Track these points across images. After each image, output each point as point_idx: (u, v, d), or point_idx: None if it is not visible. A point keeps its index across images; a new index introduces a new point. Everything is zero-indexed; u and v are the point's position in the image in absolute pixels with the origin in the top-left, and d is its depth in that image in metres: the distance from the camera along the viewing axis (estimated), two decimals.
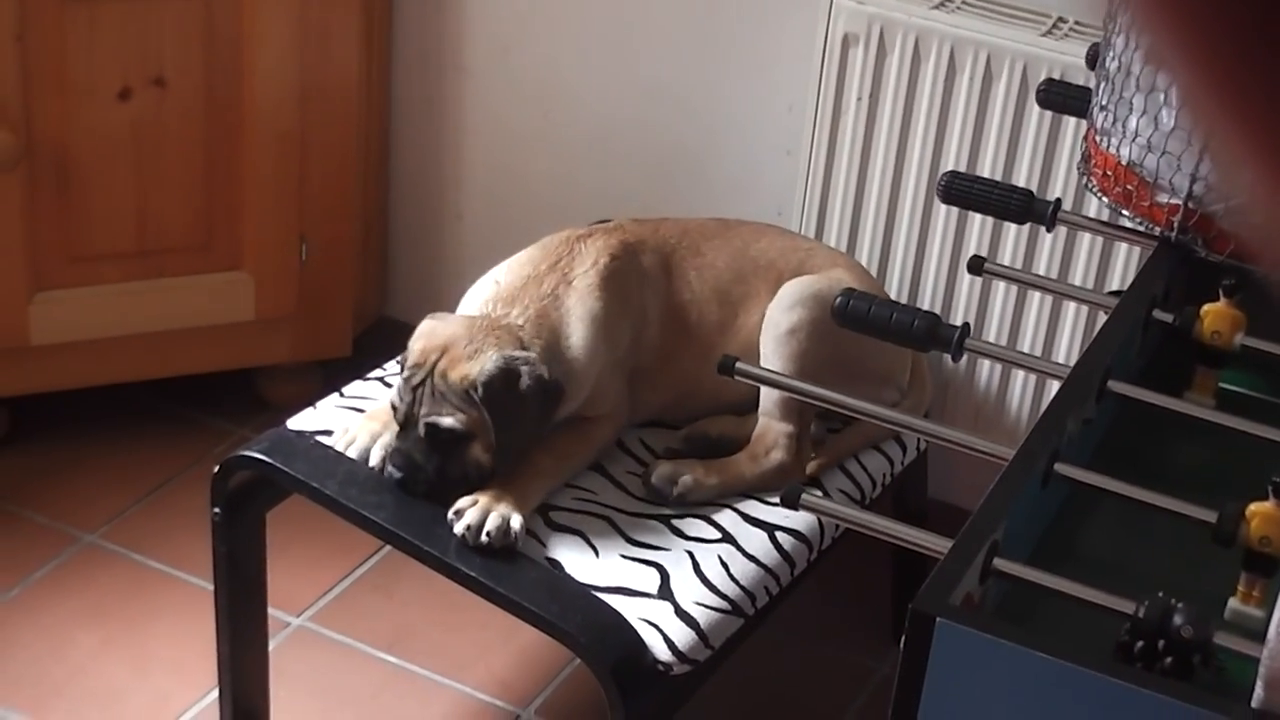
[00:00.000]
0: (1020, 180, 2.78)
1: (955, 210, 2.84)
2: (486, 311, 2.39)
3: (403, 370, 2.33)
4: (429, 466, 2.28)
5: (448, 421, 2.27)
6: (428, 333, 2.34)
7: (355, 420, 2.43)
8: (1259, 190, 0.59)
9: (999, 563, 1.57)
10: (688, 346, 2.51)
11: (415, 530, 2.27)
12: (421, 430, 2.28)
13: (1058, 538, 1.80)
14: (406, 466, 2.29)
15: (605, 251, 2.47)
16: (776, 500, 2.21)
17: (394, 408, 2.33)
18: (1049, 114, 2.72)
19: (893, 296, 2.89)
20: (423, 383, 2.29)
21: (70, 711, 2.65)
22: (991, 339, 2.89)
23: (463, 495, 2.27)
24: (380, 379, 2.58)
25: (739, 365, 1.93)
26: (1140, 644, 1.52)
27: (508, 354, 2.29)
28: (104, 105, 2.93)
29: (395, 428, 2.34)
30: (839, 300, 1.92)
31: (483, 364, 2.28)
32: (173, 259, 3.10)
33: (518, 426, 2.29)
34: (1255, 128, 0.58)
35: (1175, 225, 2.04)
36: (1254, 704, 1.43)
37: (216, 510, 2.41)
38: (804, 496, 1.70)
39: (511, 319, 2.37)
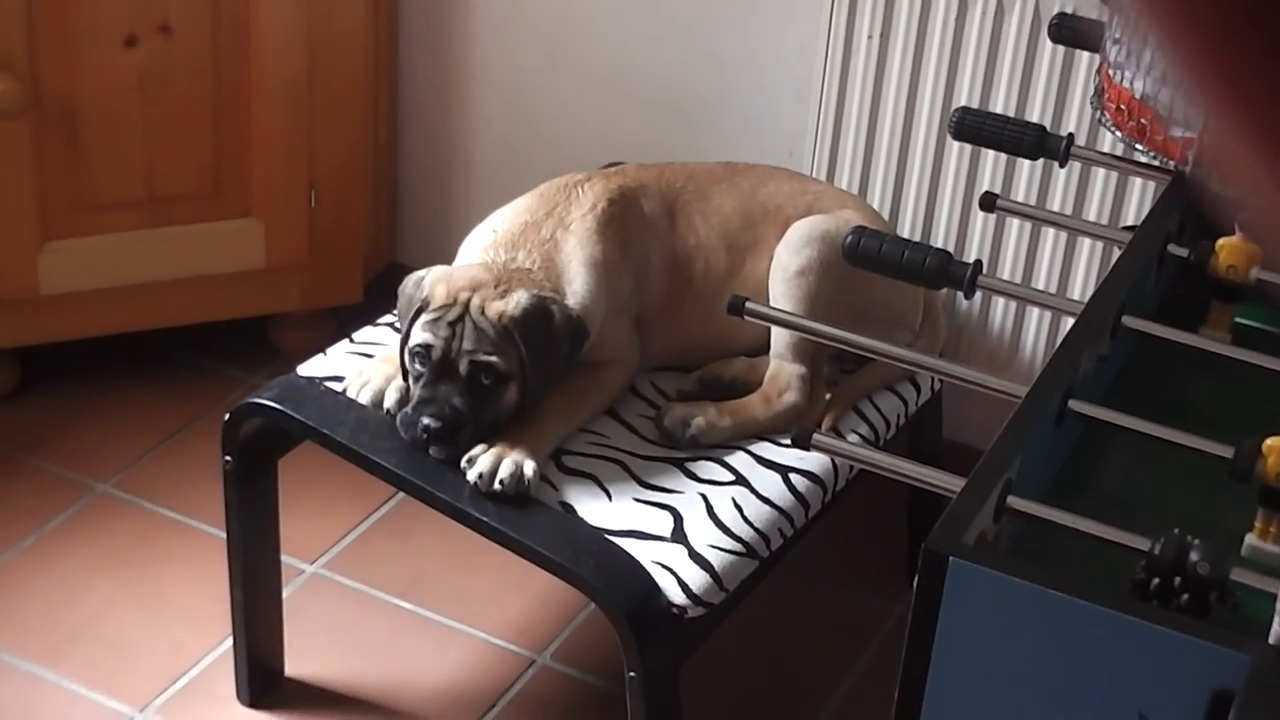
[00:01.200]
0: (1034, 116, 2.76)
1: (968, 148, 2.82)
2: (490, 258, 2.36)
3: (418, 315, 2.28)
4: (466, 410, 2.23)
5: (494, 358, 2.23)
6: (444, 276, 2.30)
7: (368, 364, 2.41)
8: (1260, 181, 0.58)
9: (1013, 500, 1.56)
10: (695, 293, 2.49)
11: (427, 476, 2.26)
12: (464, 369, 2.23)
13: (1073, 475, 1.78)
14: (445, 413, 2.22)
15: (603, 196, 2.45)
16: (789, 441, 2.20)
17: (417, 353, 2.26)
18: (1062, 49, 2.69)
19: (906, 236, 2.87)
20: (460, 319, 2.25)
21: (85, 659, 2.65)
22: (1005, 277, 2.87)
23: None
24: (391, 325, 2.56)
25: (749, 305, 1.91)
26: (1156, 581, 1.50)
27: (536, 293, 2.28)
28: (110, 53, 2.91)
29: (411, 376, 2.29)
30: (849, 238, 1.91)
31: (517, 300, 2.26)
32: (182, 207, 3.08)
33: (550, 365, 2.28)
34: (1254, 120, 0.57)
35: (1190, 159, 2.01)
36: (1271, 640, 1.42)
37: (228, 458, 2.40)
38: (815, 437, 1.69)
39: (520, 263, 2.35)
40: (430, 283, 2.30)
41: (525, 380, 2.26)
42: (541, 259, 2.36)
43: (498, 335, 2.24)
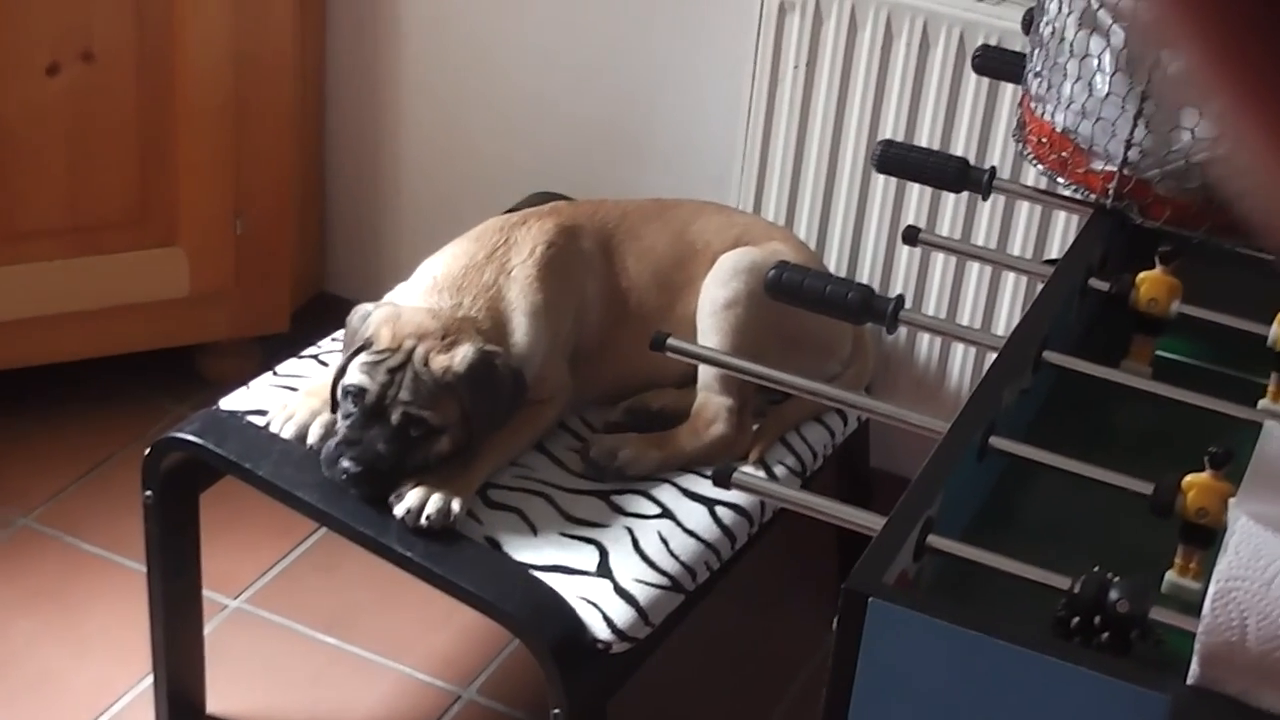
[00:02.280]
0: (959, 148, 2.76)
1: (894, 181, 2.82)
2: (431, 303, 2.34)
3: (357, 353, 2.25)
4: (390, 457, 2.21)
5: (427, 413, 2.21)
6: (391, 319, 2.27)
7: (292, 398, 2.39)
8: (1266, 169, 0.58)
9: (933, 539, 1.55)
10: (628, 331, 2.47)
11: (351, 512, 2.24)
12: (396, 419, 2.21)
13: (997, 510, 1.78)
14: (367, 458, 2.20)
15: (542, 239, 2.43)
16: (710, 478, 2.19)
17: (350, 393, 2.23)
18: (987, 81, 2.70)
19: (832, 268, 2.88)
20: (401, 366, 2.23)
21: (6, 697, 2.61)
22: (931, 310, 2.88)
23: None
24: (315, 357, 2.55)
25: (670, 341, 1.91)
26: (1077, 619, 1.50)
27: (482, 347, 2.26)
28: (32, 81, 2.88)
29: (340, 412, 2.27)
30: (772, 273, 1.90)
31: (464, 356, 2.23)
32: (106, 235, 3.05)
33: (489, 418, 2.26)
34: (1263, 104, 0.56)
35: (1111, 192, 2.02)
36: (1190, 680, 1.42)
37: (148, 493, 2.37)
38: (735, 475, 1.68)
39: (466, 310, 2.33)
40: (376, 323, 2.27)
41: (461, 433, 2.24)
42: (486, 306, 2.34)
43: (437, 389, 2.22)
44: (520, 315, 2.36)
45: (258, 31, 3.03)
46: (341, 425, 2.25)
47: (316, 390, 2.37)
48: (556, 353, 2.42)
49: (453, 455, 2.25)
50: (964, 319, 2.87)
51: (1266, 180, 0.58)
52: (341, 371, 2.26)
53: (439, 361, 2.23)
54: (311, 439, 2.30)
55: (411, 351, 2.23)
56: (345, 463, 2.21)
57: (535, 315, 2.36)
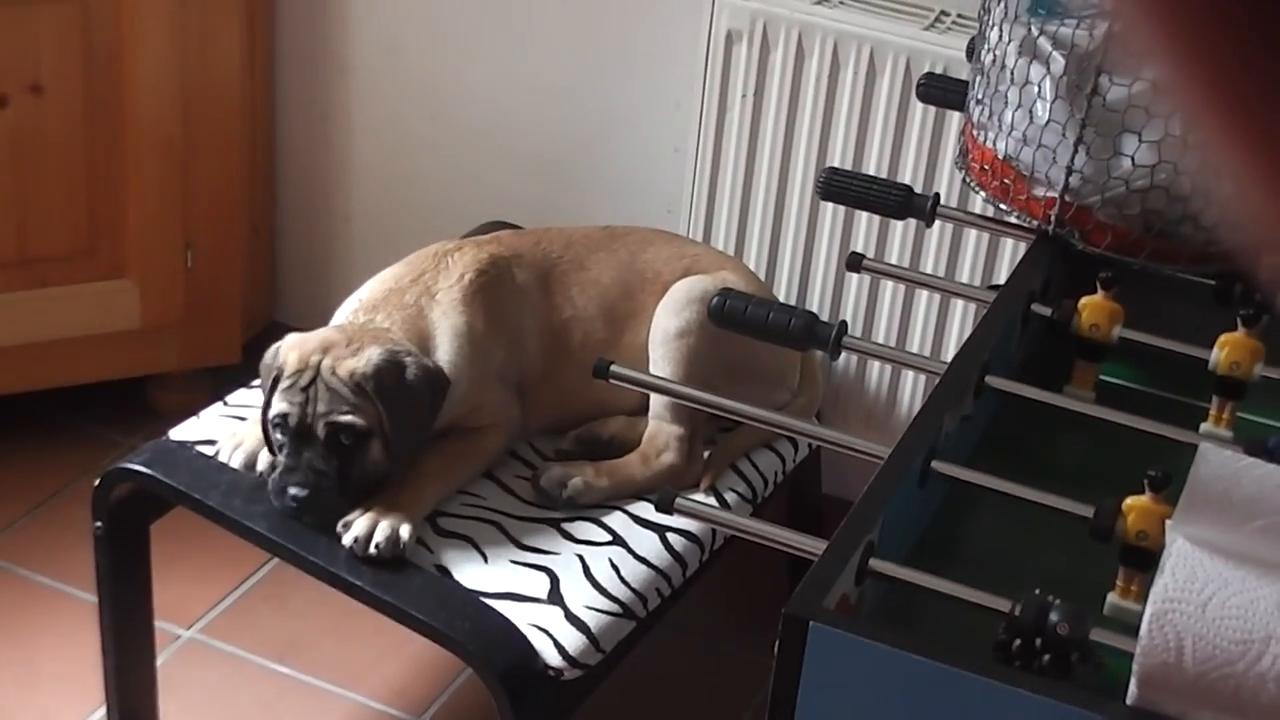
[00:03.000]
0: (906, 175, 2.78)
1: (843, 209, 2.83)
2: (348, 320, 2.36)
3: (275, 385, 2.26)
4: (332, 473, 2.22)
5: (349, 418, 2.22)
6: (297, 343, 2.29)
7: (241, 427, 2.39)
8: (1255, 195, 0.58)
9: (874, 563, 1.56)
10: (574, 363, 2.47)
11: (301, 541, 2.24)
12: (322, 431, 2.22)
13: (939, 535, 1.79)
14: (309, 480, 2.21)
15: (472, 267, 2.44)
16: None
17: (277, 424, 2.24)
18: (934, 110, 2.72)
19: (781, 296, 2.89)
20: (312, 382, 2.24)
21: None
22: (881, 338, 2.89)
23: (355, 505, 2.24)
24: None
25: (614, 369, 1.91)
26: (1018, 642, 1.51)
27: (389, 347, 2.27)
28: None
29: (275, 445, 2.28)
30: (715, 301, 1.91)
31: (368, 357, 2.24)
32: (55, 268, 3.05)
33: (410, 419, 2.26)
34: (1251, 129, 0.57)
35: (1052, 218, 2.04)
36: (1129, 701, 1.43)
37: (98, 524, 2.37)
38: (678, 501, 1.69)
39: (378, 324, 2.34)
40: (284, 350, 2.29)
41: (386, 436, 2.25)
42: (402, 321, 2.35)
43: (352, 393, 2.23)
44: (442, 335, 2.36)
45: (205, 64, 3.03)
46: (280, 457, 2.25)
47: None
48: (493, 381, 2.42)
49: (390, 464, 2.25)
50: (914, 346, 2.89)
51: (1241, 186, 0.58)
52: (266, 407, 2.27)
53: (346, 366, 2.24)
54: (260, 466, 2.31)
55: (319, 365, 2.24)
56: (293, 490, 2.21)
57: (458, 336, 2.36)
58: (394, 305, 2.37)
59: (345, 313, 2.39)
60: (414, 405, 2.27)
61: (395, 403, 2.24)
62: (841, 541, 1.53)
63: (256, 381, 2.55)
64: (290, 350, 2.28)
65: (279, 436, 2.25)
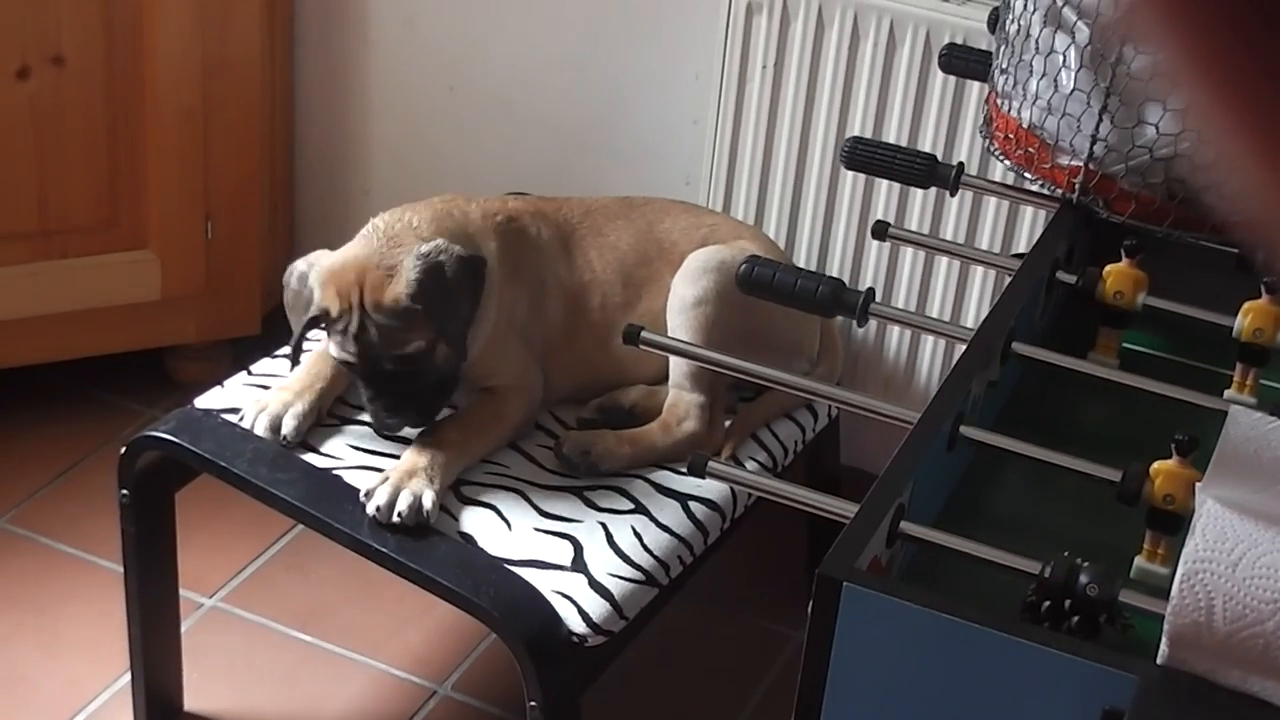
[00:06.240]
0: (926, 145, 2.79)
1: (862, 177, 2.84)
2: (374, 227, 2.35)
3: (312, 323, 2.29)
4: (416, 393, 2.29)
5: (409, 348, 2.26)
6: (330, 277, 2.28)
7: (265, 394, 2.41)
8: (1257, 177, 0.58)
9: (905, 526, 1.58)
10: (592, 327, 2.49)
11: (325, 508, 2.26)
12: (390, 367, 2.27)
13: (966, 499, 1.80)
14: (399, 407, 2.29)
15: (493, 214, 2.45)
16: (686, 470, 2.21)
17: (348, 366, 2.30)
18: (953, 79, 2.72)
19: (801, 264, 2.90)
20: (362, 326, 2.26)
21: None
22: (900, 305, 2.90)
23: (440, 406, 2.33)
24: (289, 355, 2.55)
25: (645, 334, 1.92)
26: (1047, 603, 1.52)
27: (419, 251, 2.27)
28: (2, 85, 2.89)
29: (312, 395, 2.34)
30: (743, 268, 1.92)
31: (405, 275, 2.25)
32: (76, 239, 3.06)
33: (459, 313, 2.29)
34: (1256, 118, 0.57)
35: (1076, 187, 2.05)
36: (1159, 661, 1.45)
37: (124, 492, 2.38)
38: (710, 465, 1.70)
39: (406, 221, 2.35)
40: (318, 287, 2.29)
41: (446, 338, 2.28)
42: (431, 217, 2.36)
43: (401, 320, 2.25)
44: (473, 235, 2.39)
45: (225, 36, 3.04)
46: (362, 392, 2.33)
47: (288, 385, 2.39)
48: (514, 335, 2.43)
49: (457, 357, 2.29)
50: (933, 313, 2.90)
51: (1239, 169, 0.59)
52: (300, 337, 2.31)
53: (388, 295, 2.25)
54: (285, 431, 2.32)
55: (361, 303, 2.25)
56: (389, 420, 2.32)
57: (489, 256, 2.37)
58: (420, 207, 2.38)
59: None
60: (459, 301, 2.29)
61: (444, 307, 2.27)
62: (874, 503, 1.55)
63: (281, 350, 2.56)
64: (326, 288, 2.28)
65: (352, 375, 2.33)
